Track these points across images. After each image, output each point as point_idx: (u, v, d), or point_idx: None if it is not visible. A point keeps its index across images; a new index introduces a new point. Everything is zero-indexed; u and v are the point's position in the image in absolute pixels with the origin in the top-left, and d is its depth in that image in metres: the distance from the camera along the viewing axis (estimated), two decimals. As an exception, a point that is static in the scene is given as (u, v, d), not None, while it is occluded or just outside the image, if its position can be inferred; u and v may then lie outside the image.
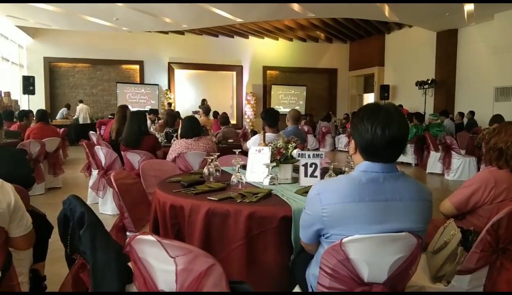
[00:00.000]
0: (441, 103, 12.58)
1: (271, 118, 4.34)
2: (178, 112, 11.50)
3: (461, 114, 11.08)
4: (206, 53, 15.92)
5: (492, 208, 2.00)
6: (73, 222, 1.76)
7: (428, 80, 13.05)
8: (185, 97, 15.84)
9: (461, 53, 12.48)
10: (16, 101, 12.24)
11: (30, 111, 8.02)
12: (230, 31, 15.27)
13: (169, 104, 14.76)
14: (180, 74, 16.17)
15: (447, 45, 12.61)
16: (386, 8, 10.41)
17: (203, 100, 14.95)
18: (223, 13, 10.84)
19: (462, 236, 1.86)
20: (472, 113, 10.76)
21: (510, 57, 10.18)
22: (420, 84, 13.30)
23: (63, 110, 13.65)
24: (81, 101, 14.00)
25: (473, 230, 1.92)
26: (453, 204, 2.20)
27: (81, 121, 13.29)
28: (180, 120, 5.52)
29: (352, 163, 2.46)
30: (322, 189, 1.49)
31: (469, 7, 10.12)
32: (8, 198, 1.63)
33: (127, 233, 2.64)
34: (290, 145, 2.52)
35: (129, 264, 1.53)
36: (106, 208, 4.77)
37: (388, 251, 1.42)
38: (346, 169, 2.56)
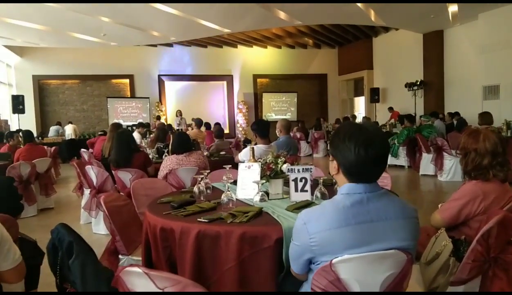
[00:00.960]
0: (431, 104, 12.69)
1: (261, 130, 4.33)
2: (170, 126, 11.51)
3: (451, 114, 11.17)
4: (195, 64, 15.96)
5: (483, 217, 2.00)
6: (62, 251, 1.74)
7: (417, 81, 13.16)
8: (177, 109, 15.82)
9: (448, 53, 12.62)
10: (6, 121, 12.15)
11: (16, 131, 7.96)
12: (219, 41, 15.32)
13: (158, 117, 14.73)
14: (171, 86, 16.18)
15: (433, 46, 12.75)
16: (372, 12, 10.51)
17: (178, 112, 14.91)
18: (211, 24, 10.88)
19: (454, 246, 1.86)
20: (457, 114, 10.85)
21: (496, 55, 10.31)
22: (409, 86, 13.41)
23: (57, 128, 13.54)
24: (70, 122, 13.99)
25: (464, 240, 1.92)
26: (443, 219, 2.16)
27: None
28: (171, 135, 5.51)
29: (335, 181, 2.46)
30: (307, 218, 1.47)
31: (453, 8, 10.25)
32: None
33: (120, 256, 2.61)
34: (279, 160, 2.52)
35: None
36: (100, 227, 4.72)
37: (378, 269, 1.41)
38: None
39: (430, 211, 2.42)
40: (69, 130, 13.73)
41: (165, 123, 12.28)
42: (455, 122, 10.59)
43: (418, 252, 1.91)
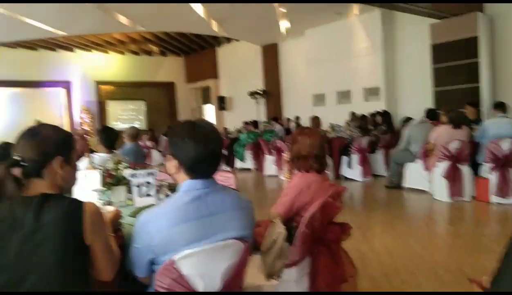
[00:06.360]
0: (272, 111, 13.81)
1: (104, 138, 4.08)
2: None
3: (288, 119, 12.39)
4: (25, 69, 14.11)
5: (309, 206, 2.26)
6: None
7: (258, 90, 14.17)
8: (6, 118, 13.72)
9: (282, 65, 13.93)
10: None
11: None
12: (52, 44, 13.89)
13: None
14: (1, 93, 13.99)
15: (270, 58, 13.94)
16: (214, 23, 10.91)
17: None
18: (42, 25, 9.78)
19: (288, 233, 2.06)
20: (297, 118, 12.14)
21: (319, 68, 11.81)
22: (252, 94, 14.35)
23: None
24: None
25: (296, 226, 2.14)
26: (280, 214, 2.33)
27: None
28: None
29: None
30: (147, 219, 1.47)
31: (284, 24, 11.35)
32: None
33: None
34: (120, 165, 2.42)
35: None
36: None
37: (218, 260, 1.47)
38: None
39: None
40: None
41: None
42: (292, 125, 11.80)
43: (258, 242, 2.06)
